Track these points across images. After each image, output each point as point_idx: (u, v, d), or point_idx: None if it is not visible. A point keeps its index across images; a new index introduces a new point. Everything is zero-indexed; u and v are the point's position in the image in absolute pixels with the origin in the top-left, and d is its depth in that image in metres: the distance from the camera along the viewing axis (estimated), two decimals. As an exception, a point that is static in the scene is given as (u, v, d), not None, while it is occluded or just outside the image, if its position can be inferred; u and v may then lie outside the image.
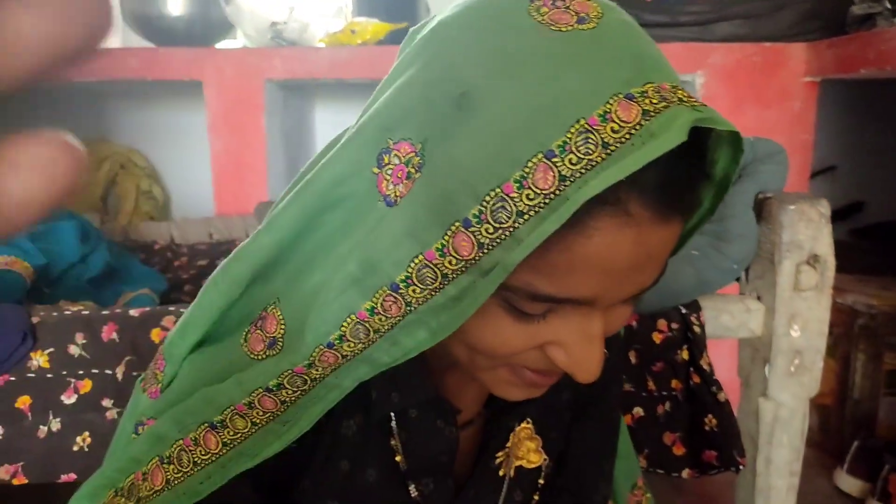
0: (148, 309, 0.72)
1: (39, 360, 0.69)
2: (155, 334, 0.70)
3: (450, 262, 0.35)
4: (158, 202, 1.91)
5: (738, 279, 0.90)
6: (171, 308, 0.72)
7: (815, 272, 0.83)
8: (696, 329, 0.81)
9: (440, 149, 0.36)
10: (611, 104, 0.33)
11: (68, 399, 0.68)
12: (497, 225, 0.34)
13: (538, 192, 0.33)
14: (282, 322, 0.42)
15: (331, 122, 1.97)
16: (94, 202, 1.90)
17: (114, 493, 0.46)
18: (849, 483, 1.29)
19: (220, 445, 0.43)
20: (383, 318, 0.38)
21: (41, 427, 0.68)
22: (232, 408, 0.42)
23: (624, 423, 0.65)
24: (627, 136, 0.33)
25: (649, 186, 0.35)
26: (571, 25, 0.35)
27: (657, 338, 0.81)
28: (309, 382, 0.41)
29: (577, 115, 0.33)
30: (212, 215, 1.53)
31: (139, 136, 1.96)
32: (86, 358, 0.69)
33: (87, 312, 0.70)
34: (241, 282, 0.44)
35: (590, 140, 0.33)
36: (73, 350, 0.69)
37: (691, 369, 0.81)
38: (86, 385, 0.68)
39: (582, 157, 0.33)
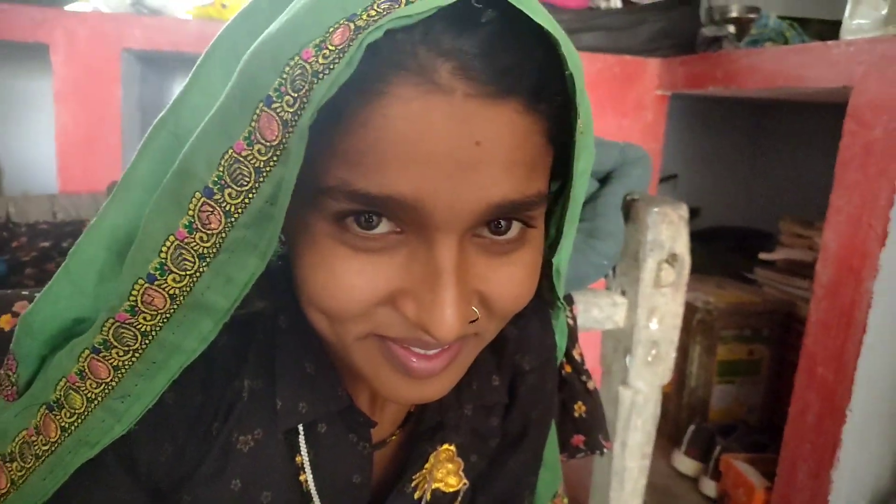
0: (-5, 293, 0.64)
1: None
2: (5, 321, 0.62)
3: (259, 152, 0.32)
4: (-11, 176, 1.72)
5: (605, 275, 0.96)
6: (25, 293, 0.65)
7: (674, 270, 0.90)
8: (570, 321, 0.85)
9: (259, 36, 0.34)
10: None
11: None
12: (295, 94, 0.31)
13: (333, 48, 0.30)
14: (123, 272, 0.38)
15: (192, 100, 1.87)
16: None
17: None
18: (685, 464, 1.42)
19: (59, 431, 0.39)
20: (205, 237, 0.34)
21: None
22: (65, 380, 0.38)
23: (554, 434, 0.63)
24: None
25: (457, 52, 0.31)
26: None
27: (533, 329, 0.85)
28: (139, 339, 0.36)
29: None
30: (55, 192, 1.40)
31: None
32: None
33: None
34: (94, 265, 0.39)
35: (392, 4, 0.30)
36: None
37: (564, 360, 0.85)
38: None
39: (380, 11, 0.30)
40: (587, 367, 0.86)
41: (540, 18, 0.32)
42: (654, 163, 1.68)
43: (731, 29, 1.48)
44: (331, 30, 0.30)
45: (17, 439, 0.40)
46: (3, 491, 0.40)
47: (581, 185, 0.42)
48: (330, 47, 0.30)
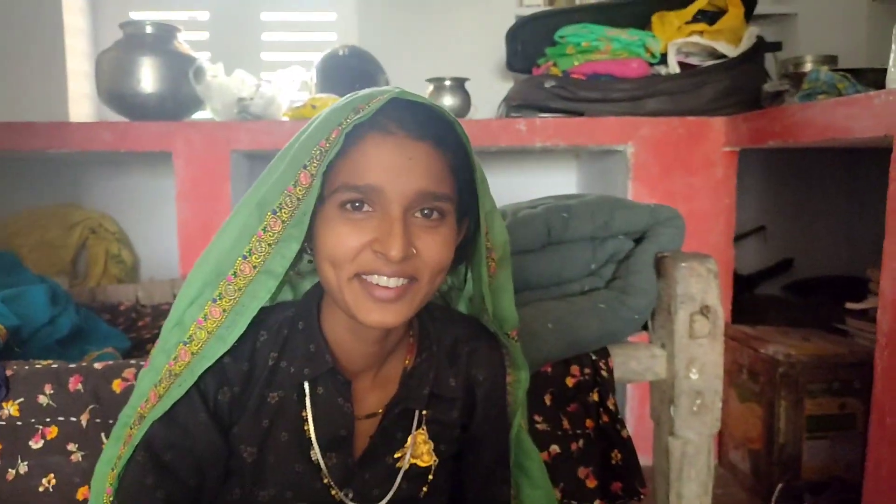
0: (111, 363, 0.80)
1: (10, 409, 0.76)
2: (116, 385, 0.78)
3: (299, 189, 0.60)
4: (127, 265, 1.98)
5: (646, 329, 1.01)
6: (132, 362, 0.81)
7: (708, 321, 0.94)
8: (605, 374, 0.91)
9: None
10: (375, 99, 0.60)
11: (35, 444, 0.76)
12: (318, 162, 0.60)
13: (333, 139, 0.59)
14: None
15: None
16: (64, 265, 1.97)
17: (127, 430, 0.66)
18: (774, 522, 1.38)
19: (190, 356, 0.64)
20: (272, 234, 0.61)
21: (10, 470, 0.75)
22: (195, 324, 0.64)
23: (539, 456, 0.78)
24: (374, 103, 0.59)
25: (403, 119, 0.60)
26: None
27: (570, 382, 0.91)
28: (236, 293, 0.63)
29: (354, 105, 0.60)
30: (177, 277, 1.62)
31: (111, 202, 2.05)
32: (53, 407, 0.77)
33: (55, 366, 0.79)
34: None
35: (356, 112, 0.59)
36: (42, 400, 0.77)
37: (601, 409, 0.91)
38: (52, 431, 0.76)
39: (352, 116, 0.59)
40: (645, 420, 0.91)
41: (441, 108, 0.62)
42: (729, 217, 1.70)
43: (787, 85, 1.50)
44: (331, 132, 0.60)
45: (163, 371, 0.65)
46: (153, 404, 0.64)
47: (495, 227, 0.69)
48: (331, 138, 0.59)
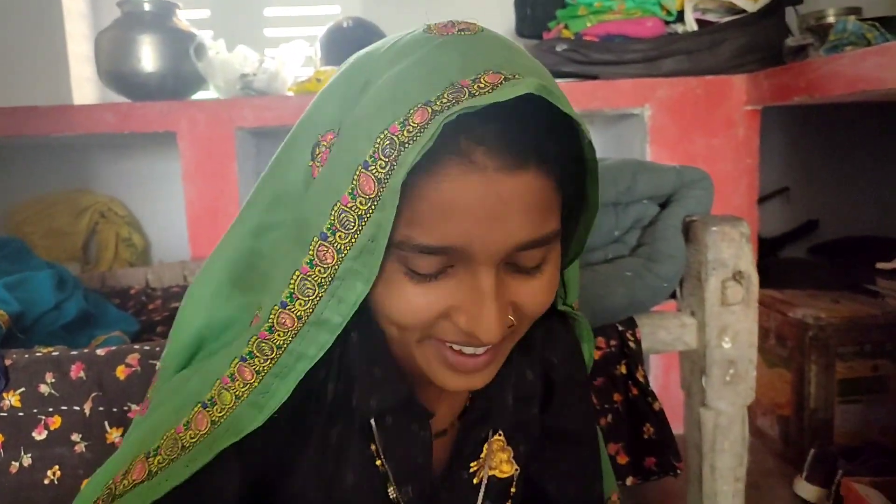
0: (113, 348, 0.77)
1: (11, 399, 0.73)
2: (120, 371, 0.75)
3: (361, 203, 0.42)
4: (138, 249, 1.96)
5: (674, 298, 0.96)
6: (136, 346, 0.77)
7: (741, 287, 0.89)
8: (632, 344, 0.87)
9: (348, 119, 0.45)
10: (483, 74, 0.42)
11: (39, 435, 0.73)
12: (386, 159, 0.41)
13: (415, 125, 0.41)
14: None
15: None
16: (75, 252, 1.95)
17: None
18: (807, 490, 1.34)
19: (209, 424, 0.48)
20: (322, 269, 0.45)
21: (13, 463, 0.72)
22: (219, 381, 0.48)
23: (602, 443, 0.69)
24: (488, 91, 0.41)
25: (492, 140, 0.42)
26: (453, 33, 0.45)
27: (596, 354, 0.87)
28: (275, 350, 0.47)
29: (451, 79, 0.42)
30: (187, 259, 1.59)
31: (119, 185, 2.02)
32: (55, 396, 0.74)
33: (56, 353, 0.75)
34: (211, 286, 0.52)
35: (459, 91, 0.41)
36: (44, 389, 0.74)
37: (629, 382, 0.87)
38: (55, 421, 0.73)
39: (451, 99, 0.41)
40: (670, 391, 0.87)
41: (560, 103, 0.43)
42: (752, 179, 1.63)
43: (810, 39, 1.43)
44: (412, 111, 0.41)
45: (165, 436, 0.48)
46: (139, 480, 0.47)
47: (592, 214, 0.52)
48: (412, 124, 0.41)
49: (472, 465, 0.58)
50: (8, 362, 0.74)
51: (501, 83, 0.41)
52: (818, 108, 1.92)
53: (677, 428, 0.98)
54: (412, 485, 0.55)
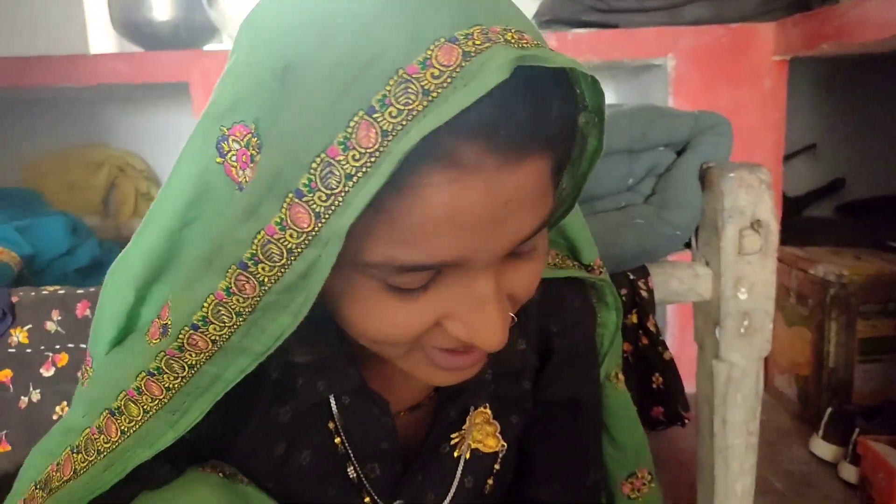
0: (120, 288, 0.77)
1: (19, 336, 0.74)
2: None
3: (291, 236, 0.35)
4: (155, 203, 1.96)
5: (689, 247, 0.94)
6: (80, 291, 0.78)
7: (759, 236, 0.87)
8: (644, 293, 0.85)
9: (272, 125, 0.36)
10: (432, 50, 0.32)
11: (47, 372, 0.74)
12: (328, 192, 0.33)
13: (363, 151, 0.32)
14: (170, 309, 0.42)
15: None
16: (94, 206, 1.96)
17: (34, 487, 0.47)
18: (823, 448, 1.32)
19: (119, 433, 0.44)
20: (241, 299, 0.37)
21: (22, 398, 0.73)
22: (125, 393, 0.43)
23: (632, 414, 0.65)
24: (448, 80, 0.31)
25: (480, 131, 0.33)
26: None
27: (606, 303, 0.85)
28: (187, 369, 0.41)
29: (396, 65, 0.32)
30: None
31: (137, 139, 2.02)
32: (62, 333, 0.74)
33: (62, 292, 0.76)
34: (130, 285, 0.45)
35: (409, 89, 0.31)
36: (50, 326, 0.74)
37: (640, 332, 0.85)
38: (63, 359, 0.74)
39: (402, 108, 0.31)
40: (685, 344, 0.85)
41: (553, 59, 0.33)
42: (778, 133, 1.59)
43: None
44: (352, 124, 0.32)
45: (83, 435, 0.45)
46: (67, 478, 0.45)
47: (593, 162, 0.45)
48: (359, 148, 0.32)
49: (452, 436, 0.53)
50: (14, 299, 0.75)
51: (460, 65, 0.31)
52: (847, 61, 1.85)
53: (689, 386, 0.96)
54: (379, 464, 0.52)
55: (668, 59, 1.56)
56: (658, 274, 0.88)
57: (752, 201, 0.86)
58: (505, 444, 0.55)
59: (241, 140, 0.38)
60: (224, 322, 0.38)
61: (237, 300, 0.37)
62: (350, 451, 0.51)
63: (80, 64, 1.59)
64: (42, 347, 0.74)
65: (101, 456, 0.44)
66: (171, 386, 0.42)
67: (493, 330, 0.38)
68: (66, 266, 1.01)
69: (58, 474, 0.46)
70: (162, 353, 0.41)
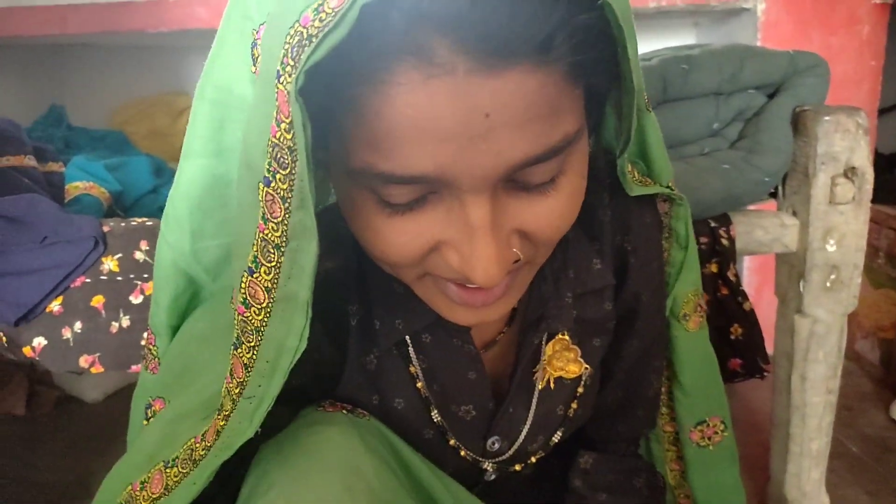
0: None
1: (110, 264, 0.78)
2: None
3: (285, 131, 0.33)
4: (233, 149, 2.01)
5: (775, 196, 0.90)
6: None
7: (853, 185, 0.82)
8: (725, 242, 0.82)
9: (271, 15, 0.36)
10: None
11: (136, 299, 0.77)
12: (293, 63, 0.31)
13: (330, 10, 0.30)
14: (234, 257, 0.41)
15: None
16: (176, 151, 2.01)
17: None
18: (905, 414, 1.27)
19: (216, 435, 0.42)
20: (274, 226, 0.36)
21: (113, 323, 0.77)
22: (224, 382, 0.42)
23: (702, 357, 0.63)
24: None
25: (450, 25, 0.30)
26: None
27: (686, 251, 0.83)
28: (255, 335, 0.39)
29: None
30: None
31: (213, 88, 2.06)
32: (149, 263, 0.77)
33: (150, 223, 0.79)
34: (185, 227, 0.47)
35: None
36: (139, 256, 0.77)
37: (720, 281, 0.83)
38: (150, 287, 0.77)
39: None
40: (764, 296, 0.83)
41: None
42: (874, 82, 1.49)
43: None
44: None
45: (185, 446, 0.43)
46: (156, 496, 0.43)
47: (638, 74, 0.40)
48: (327, 10, 0.30)
49: (534, 370, 0.53)
50: (106, 229, 0.78)
51: None
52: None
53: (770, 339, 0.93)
54: (473, 403, 0.51)
55: (757, 2, 1.47)
56: (741, 223, 0.85)
57: (847, 147, 0.81)
58: (588, 367, 0.54)
59: (263, 42, 0.38)
60: (270, 260, 0.37)
61: (272, 227, 0.36)
62: (433, 397, 0.51)
63: (161, 9, 1.63)
64: (131, 276, 0.77)
65: (196, 465, 0.42)
66: (247, 362, 0.40)
67: (483, 263, 0.35)
68: (152, 204, 1.05)
69: (143, 492, 0.44)
70: (236, 315, 0.40)
